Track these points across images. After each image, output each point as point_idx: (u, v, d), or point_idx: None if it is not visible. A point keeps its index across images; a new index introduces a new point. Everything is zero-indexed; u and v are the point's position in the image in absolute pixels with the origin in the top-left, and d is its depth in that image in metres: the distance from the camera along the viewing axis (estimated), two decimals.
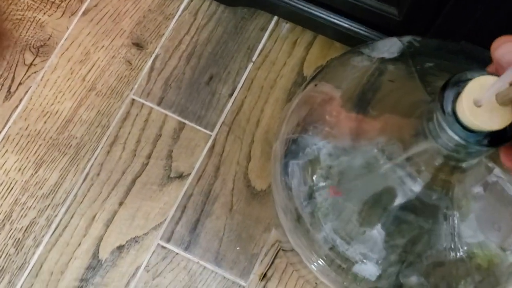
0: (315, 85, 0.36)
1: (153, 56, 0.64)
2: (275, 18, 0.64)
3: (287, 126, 0.38)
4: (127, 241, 0.57)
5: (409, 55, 0.34)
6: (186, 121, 0.61)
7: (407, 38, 0.35)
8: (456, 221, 0.31)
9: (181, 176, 0.59)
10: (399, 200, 0.31)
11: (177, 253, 0.57)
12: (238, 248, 0.57)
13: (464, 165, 0.27)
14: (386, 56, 0.35)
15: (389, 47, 0.35)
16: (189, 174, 0.59)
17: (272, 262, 0.57)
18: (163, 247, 0.57)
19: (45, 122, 0.61)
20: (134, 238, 0.58)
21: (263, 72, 0.63)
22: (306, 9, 0.60)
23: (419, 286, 0.34)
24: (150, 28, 0.65)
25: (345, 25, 0.59)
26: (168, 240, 0.57)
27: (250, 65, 0.63)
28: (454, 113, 0.24)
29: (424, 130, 0.27)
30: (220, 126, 0.61)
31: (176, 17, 0.65)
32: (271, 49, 0.64)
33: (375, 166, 0.32)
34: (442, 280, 0.33)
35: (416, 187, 0.30)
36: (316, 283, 0.44)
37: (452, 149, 0.25)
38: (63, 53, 0.64)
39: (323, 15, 0.59)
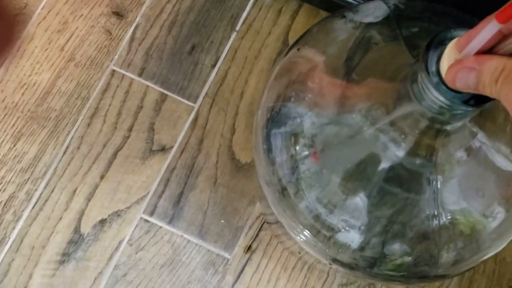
0: (298, 49, 0.34)
1: (134, 25, 0.62)
2: None
3: (269, 94, 0.37)
4: (109, 215, 0.57)
5: (394, 18, 0.33)
6: (168, 93, 0.59)
7: (392, 1, 0.33)
8: (439, 186, 0.30)
9: (163, 149, 0.58)
10: (383, 166, 0.31)
11: (160, 227, 0.56)
12: (222, 221, 0.57)
13: (448, 127, 0.26)
14: (371, 19, 0.34)
15: (374, 10, 0.33)
16: (171, 147, 0.58)
17: (257, 235, 0.56)
18: (146, 221, 0.56)
19: (22, 94, 0.59)
20: (116, 212, 0.57)
21: (247, 41, 0.61)
22: None
23: (402, 254, 0.34)
24: None
25: None
26: (151, 214, 0.57)
27: (233, 35, 0.62)
28: (439, 73, 0.23)
29: (408, 92, 0.26)
30: (203, 98, 0.60)
31: None
32: (255, 18, 0.62)
33: (358, 132, 0.31)
34: (425, 247, 0.33)
35: (400, 152, 0.29)
36: (299, 253, 0.43)
37: (437, 111, 0.25)
38: (40, 22, 0.61)
39: None
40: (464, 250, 0.32)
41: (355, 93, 0.31)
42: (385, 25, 0.33)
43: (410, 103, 0.26)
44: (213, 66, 0.60)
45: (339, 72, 0.33)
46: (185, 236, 0.56)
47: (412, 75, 0.25)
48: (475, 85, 0.21)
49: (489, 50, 0.21)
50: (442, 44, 0.23)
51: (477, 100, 0.23)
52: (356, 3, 0.56)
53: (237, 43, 0.61)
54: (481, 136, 0.28)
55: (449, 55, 0.22)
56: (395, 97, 0.27)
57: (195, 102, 0.59)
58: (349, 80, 0.32)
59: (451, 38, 0.23)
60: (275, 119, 0.36)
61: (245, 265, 0.56)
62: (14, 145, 0.58)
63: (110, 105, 0.59)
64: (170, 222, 0.56)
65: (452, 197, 0.30)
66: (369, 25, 0.34)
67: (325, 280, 0.55)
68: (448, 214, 0.32)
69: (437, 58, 0.23)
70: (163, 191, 0.57)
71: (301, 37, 0.35)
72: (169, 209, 0.57)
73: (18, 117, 0.59)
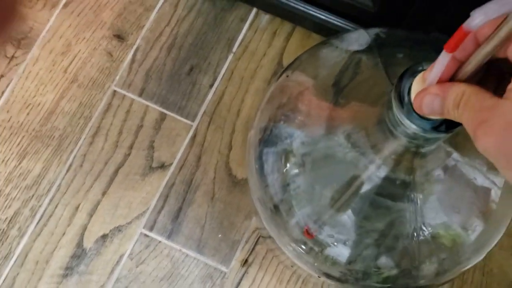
0: (287, 76, 0.37)
1: (134, 47, 0.64)
2: (255, 9, 0.65)
3: (262, 115, 0.39)
4: (110, 230, 0.59)
5: (376, 46, 0.35)
6: (167, 112, 0.62)
7: (374, 30, 0.36)
8: (419, 204, 0.32)
9: (163, 166, 0.60)
10: (365, 186, 0.33)
11: (160, 241, 0.58)
12: (219, 235, 0.59)
13: (423, 150, 0.28)
14: (355, 47, 0.36)
15: (357, 39, 0.36)
16: (170, 164, 0.60)
17: (253, 249, 0.58)
18: (146, 236, 0.58)
19: (27, 114, 0.62)
20: (117, 227, 0.59)
21: (243, 62, 0.64)
22: (284, 1, 0.61)
23: (388, 267, 0.36)
24: (131, 19, 0.65)
25: (323, 17, 0.60)
26: (151, 229, 0.59)
27: (230, 56, 0.64)
28: (410, 103, 0.26)
29: (385, 119, 0.28)
30: (201, 116, 0.62)
31: (157, 8, 0.66)
32: (251, 40, 0.65)
33: (342, 154, 0.33)
34: (409, 260, 0.35)
35: (381, 173, 0.32)
36: (292, 266, 0.45)
37: (411, 136, 0.27)
38: (44, 45, 0.64)
39: (301, 7, 0.60)
40: (446, 262, 0.34)
41: (339, 116, 0.33)
42: (368, 53, 0.36)
43: (387, 128, 0.28)
44: (211, 86, 0.63)
45: (327, 96, 0.36)
46: (184, 250, 0.58)
47: (388, 102, 0.27)
48: (440, 110, 0.23)
49: (452, 78, 0.23)
50: (414, 75, 0.25)
51: (448, 126, 0.25)
52: (346, 27, 0.59)
53: (233, 64, 0.64)
54: (456, 155, 0.30)
55: (417, 86, 0.24)
56: (375, 122, 0.30)
57: (193, 120, 0.62)
58: (336, 104, 0.35)
59: (422, 70, 0.25)
60: (266, 139, 0.38)
61: (241, 278, 0.58)
62: (19, 163, 0.60)
63: (111, 124, 0.62)
64: (169, 237, 0.58)
65: (433, 213, 0.33)
66: (354, 52, 0.36)
67: None
68: (430, 229, 0.34)
69: (409, 88, 0.25)
70: (162, 207, 0.59)
71: (291, 63, 0.38)
72: (168, 224, 0.59)
73: (23, 136, 0.61)
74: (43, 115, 0.62)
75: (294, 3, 0.60)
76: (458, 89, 0.22)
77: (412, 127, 0.25)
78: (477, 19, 0.20)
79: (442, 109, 0.23)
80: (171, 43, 0.64)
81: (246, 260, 0.58)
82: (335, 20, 0.59)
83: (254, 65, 0.64)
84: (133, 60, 0.64)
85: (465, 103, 0.22)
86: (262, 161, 0.39)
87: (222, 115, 0.62)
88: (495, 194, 0.35)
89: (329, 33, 0.61)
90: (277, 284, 0.57)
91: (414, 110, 0.25)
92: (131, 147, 0.61)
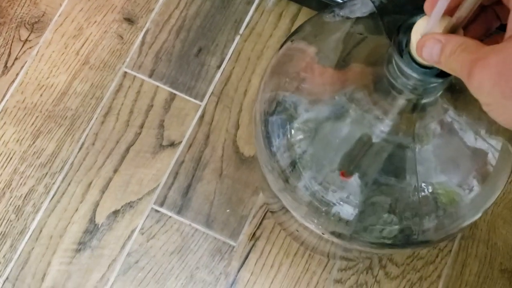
0: (291, 41, 0.38)
1: (144, 30, 0.66)
2: None
3: (265, 85, 0.41)
4: (122, 206, 0.60)
5: (378, 12, 0.36)
6: (176, 92, 0.64)
7: None
8: (419, 157, 0.33)
9: (172, 144, 0.62)
10: (371, 142, 0.34)
11: (170, 217, 0.60)
12: (228, 210, 0.60)
13: (423, 101, 0.30)
14: (358, 15, 0.38)
15: (360, 6, 0.37)
16: (180, 142, 0.62)
17: (261, 223, 0.60)
18: (157, 211, 0.60)
19: (41, 95, 0.64)
20: (128, 203, 0.60)
21: (250, 43, 0.66)
22: None
23: (390, 223, 0.37)
24: (141, 3, 0.67)
25: None
26: (162, 205, 0.60)
27: (237, 38, 0.66)
28: (409, 54, 0.27)
29: (386, 74, 0.29)
30: (209, 96, 0.64)
31: None
32: (257, 22, 0.66)
33: (346, 114, 0.35)
34: (410, 217, 0.36)
35: (385, 128, 0.33)
36: (297, 231, 0.47)
37: (411, 86, 0.28)
38: (57, 28, 0.66)
39: None
40: (445, 219, 0.36)
41: (342, 78, 0.35)
42: (371, 19, 0.37)
43: (388, 82, 0.29)
44: (218, 67, 0.65)
45: (329, 62, 0.37)
46: (193, 225, 0.60)
47: (388, 57, 0.28)
48: (437, 57, 0.24)
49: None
50: (410, 27, 0.27)
51: (445, 73, 0.26)
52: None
53: (240, 46, 0.65)
54: (453, 113, 0.31)
55: (416, 32, 0.26)
56: (376, 80, 0.31)
57: (201, 100, 0.63)
58: (338, 68, 0.36)
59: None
60: (271, 107, 0.40)
61: (249, 251, 0.59)
62: (34, 142, 0.62)
63: (122, 104, 0.63)
64: (179, 212, 0.60)
65: (431, 168, 0.34)
66: (357, 19, 0.38)
67: (326, 265, 0.58)
68: (429, 187, 0.35)
69: (407, 40, 0.27)
70: (172, 183, 0.61)
71: (294, 31, 0.39)
72: (178, 200, 0.60)
73: (37, 117, 0.63)
74: (56, 96, 0.64)
75: None
76: (458, 39, 0.23)
77: (412, 75, 0.27)
78: None
79: (439, 57, 0.24)
80: (180, 25, 0.66)
81: (254, 234, 0.59)
82: None
83: (260, 46, 0.66)
84: (143, 43, 0.65)
85: (463, 49, 0.23)
86: (268, 130, 0.40)
87: (230, 95, 0.64)
88: (492, 156, 0.36)
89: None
90: (284, 257, 0.59)
91: (413, 60, 0.26)
92: (141, 126, 0.63)
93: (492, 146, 0.36)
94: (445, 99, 0.31)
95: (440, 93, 0.29)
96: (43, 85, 0.64)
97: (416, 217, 0.36)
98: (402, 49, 0.27)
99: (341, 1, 0.57)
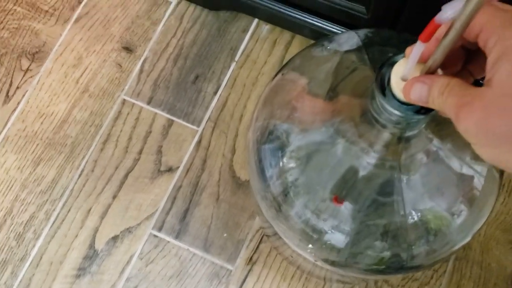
0: (282, 74, 0.40)
1: (142, 58, 0.68)
2: (256, 20, 0.69)
3: (259, 114, 0.42)
4: (121, 232, 0.61)
5: (363, 45, 0.38)
6: (174, 118, 0.65)
7: (363, 31, 0.39)
8: (406, 186, 0.35)
9: (170, 170, 0.63)
10: (358, 173, 0.35)
11: (168, 241, 0.61)
12: (225, 235, 0.61)
13: (407, 134, 0.31)
14: (345, 48, 0.39)
15: (347, 39, 0.39)
16: (178, 168, 0.63)
17: (257, 247, 0.61)
18: (155, 236, 0.61)
19: (41, 123, 0.65)
20: (127, 228, 0.61)
21: (246, 70, 0.67)
22: (284, 11, 0.64)
23: (381, 250, 0.38)
24: (139, 32, 0.69)
25: (320, 24, 0.63)
26: (160, 229, 0.61)
27: (233, 65, 0.67)
28: (391, 91, 0.28)
29: (369, 108, 0.31)
30: (206, 122, 0.65)
31: (163, 21, 0.69)
32: (252, 49, 0.68)
33: (334, 145, 0.36)
34: (401, 243, 0.37)
35: (371, 160, 0.34)
36: (291, 256, 0.48)
37: (395, 121, 0.30)
38: (57, 58, 0.68)
39: (299, 16, 0.64)
40: (435, 244, 0.37)
41: (330, 109, 0.36)
42: (357, 52, 0.38)
43: (372, 117, 0.31)
44: (215, 93, 0.66)
45: (319, 92, 0.39)
46: (191, 249, 0.61)
47: (371, 93, 0.30)
48: (426, 98, 0.25)
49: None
50: (392, 65, 0.28)
51: (424, 108, 0.28)
52: (341, 32, 0.62)
53: (236, 72, 0.67)
54: (436, 141, 0.33)
55: (396, 73, 0.27)
56: (361, 112, 0.32)
57: (198, 126, 0.65)
58: (327, 99, 0.37)
59: (398, 61, 0.28)
60: (264, 136, 0.41)
61: (247, 275, 0.60)
62: (34, 170, 0.64)
63: (121, 131, 0.65)
64: (177, 237, 0.61)
65: (419, 195, 0.35)
66: (345, 52, 0.39)
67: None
68: (418, 213, 0.36)
69: (389, 78, 0.28)
70: (170, 208, 0.62)
71: (285, 64, 0.41)
72: (176, 225, 0.61)
73: (37, 144, 0.65)
74: (56, 124, 0.65)
75: (292, 13, 0.64)
76: (444, 80, 0.24)
77: (394, 112, 0.28)
78: (447, 13, 0.23)
79: (427, 98, 0.25)
80: (177, 53, 0.68)
81: (251, 258, 0.60)
82: (332, 27, 0.63)
83: (255, 73, 0.67)
84: (141, 71, 0.67)
85: (449, 91, 0.24)
86: (261, 158, 0.41)
87: (226, 121, 0.65)
88: (478, 182, 0.37)
89: None
90: (281, 280, 0.60)
91: (394, 97, 0.28)
92: (140, 152, 0.64)
93: (477, 172, 0.38)
94: (429, 130, 0.32)
95: (423, 125, 0.31)
96: (44, 114, 0.66)
97: (406, 243, 0.37)
98: (384, 86, 0.28)
99: (331, 34, 0.59)
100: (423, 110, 0.28)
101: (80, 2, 0.70)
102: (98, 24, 0.69)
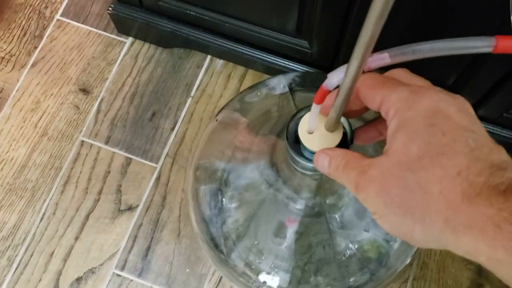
0: (216, 120, 0.41)
1: (99, 99, 0.69)
2: (209, 56, 0.70)
3: (198, 155, 0.44)
4: (84, 273, 0.62)
5: (290, 90, 0.40)
6: (132, 156, 0.66)
7: (291, 75, 0.41)
8: (338, 224, 0.36)
9: (130, 208, 0.64)
10: (290, 218, 0.37)
11: (131, 280, 0.62)
12: (187, 270, 0.62)
13: (327, 178, 0.33)
14: (275, 92, 0.41)
15: (277, 83, 0.41)
16: (137, 206, 0.64)
17: (220, 280, 0.61)
18: (118, 275, 0.62)
19: (1, 169, 0.66)
20: (90, 269, 0.62)
21: (202, 105, 0.69)
22: (235, 48, 0.66)
23: (325, 285, 0.39)
24: (95, 73, 0.70)
25: (270, 59, 0.65)
26: (122, 268, 0.62)
27: (189, 100, 0.69)
28: (299, 143, 0.30)
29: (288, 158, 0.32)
30: (165, 158, 0.66)
31: (118, 61, 0.71)
32: (207, 84, 0.70)
33: (263, 190, 0.37)
34: (342, 275, 0.39)
35: (299, 205, 0.36)
36: None
37: (311, 169, 0.31)
38: (15, 103, 0.69)
39: (250, 53, 0.65)
40: (377, 271, 0.38)
41: (261, 153, 0.38)
42: (285, 96, 0.40)
43: (291, 165, 0.32)
44: (172, 129, 0.68)
45: (251, 136, 0.40)
46: (154, 286, 0.61)
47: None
48: (327, 169, 0.27)
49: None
50: (298, 121, 0.30)
51: None
52: (290, 67, 0.64)
53: (192, 107, 0.69)
54: None
55: (302, 127, 0.29)
56: (283, 159, 0.34)
57: (157, 162, 0.66)
58: (259, 143, 0.39)
59: (303, 116, 0.30)
60: (202, 176, 0.42)
61: None
62: None
63: (80, 172, 0.66)
64: (140, 275, 0.62)
65: (353, 229, 0.36)
66: (276, 96, 0.41)
67: None
68: (356, 245, 0.38)
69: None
70: (132, 247, 0.63)
71: (221, 109, 0.42)
72: (139, 263, 0.62)
73: None
74: (16, 169, 0.66)
75: (243, 49, 0.65)
76: (340, 154, 0.26)
77: (304, 163, 0.30)
78: (332, 80, 0.24)
79: (328, 168, 0.27)
80: (133, 92, 0.69)
81: None
82: (280, 62, 0.64)
83: (212, 107, 0.69)
84: (98, 111, 0.68)
85: (345, 165, 0.25)
86: (199, 199, 0.42)
87: (184, 155, 0.67)
88: None
89: (277, 72, 0.66)
90: None
91: (305, 148, 0.29)
92: (100, 192, 0.65)
93: None
94: None
95: None
96: (3, 159, 0.66)
97: (349, 275, 0.38)
98: (294, 139, 0.30)
99: (284, 70, 0.60)
100: None
101: (36, 47, 0.71)
102: (54, 67, 0.70)
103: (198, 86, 0.70)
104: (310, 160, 0.30)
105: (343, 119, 0.29)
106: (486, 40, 0.21)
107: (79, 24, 0.72)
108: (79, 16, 0.72)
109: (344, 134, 0.29)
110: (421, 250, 0.61)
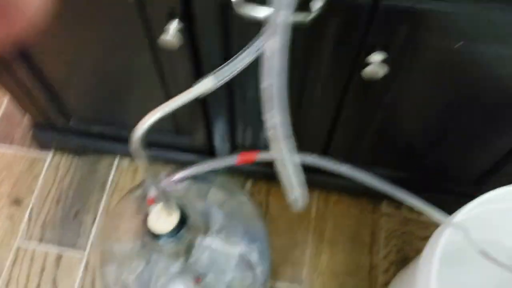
0: (109, 218, 0.57)
1: (30, 207, 0.83)
2: (118, 156, 0.86)
3: (99, 240, 0.58)
4: None
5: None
6: (63, 251, 0.79)
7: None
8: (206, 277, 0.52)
9: None
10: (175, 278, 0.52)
11: None
12: None
13: (179, 248, 0.48)
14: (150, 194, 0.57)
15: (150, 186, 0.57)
16: None
17: None
18: None
19: None
20: None
21: (116, 198, 0.84)
22: None
23: None
24: (24, 186, 0.84)
25: (170, 154, 0.81)
26: None
27: (105, 195, 0.84)
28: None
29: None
30: (90, 247, 0.80)
31: (43, 173, 0.85)
32: (119, 179, 0.85)
33: (147, 266, 0.52)
34: None
35: (175, 268, 0.51)
36: None
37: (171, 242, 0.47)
38: None
39: (151, 151, 0.82)
40: None
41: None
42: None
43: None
44: (93, 222, 0.82)
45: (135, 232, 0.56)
46: None
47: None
48: None
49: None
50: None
51: (177, 232, 0.45)
52: (190, 160, 0.80)
53: (108, 201, 0.83)
54: (207, 237, 0.50)
55: (151, 219, 0.45)
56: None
57: (84, 252, 0.80)
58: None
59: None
60: (103, 260, 0.57)
61: None
62: None
63: (20, 271, 0.78)
64: None
65: (219, 275, 0.52)
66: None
67: None
68: (227, 285, 0.53)
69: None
70: None
71: (118, 202, 0.58)
72: None
73: None
74: None
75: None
76: None
77: (161, 243, 0.45)
78: (152, 192, 0.41)
79: None
80: (58, 197, 0.83)
81: None
82: (179, 155, 0.81)
83: None
84: (30, 218, 0.82)
85: None
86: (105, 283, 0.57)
87: None
88: (251, 252, 0.55)
89: (179, 165, 0.82)
90: None
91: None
92: (38, 287, 0.77)
93: (251, 248, 0.56)
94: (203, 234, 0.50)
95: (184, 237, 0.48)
96: None
97: None
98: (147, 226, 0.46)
99: (184, 163, 0.77)
100: (172, 233, 0.46)
101: None
102: None
103: (111, 182, 0.85)
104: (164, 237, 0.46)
105: (174, 205, 0.45)
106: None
107: (8, 146, 0.86)
108: (6, 140, 0.87)
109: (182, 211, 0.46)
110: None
